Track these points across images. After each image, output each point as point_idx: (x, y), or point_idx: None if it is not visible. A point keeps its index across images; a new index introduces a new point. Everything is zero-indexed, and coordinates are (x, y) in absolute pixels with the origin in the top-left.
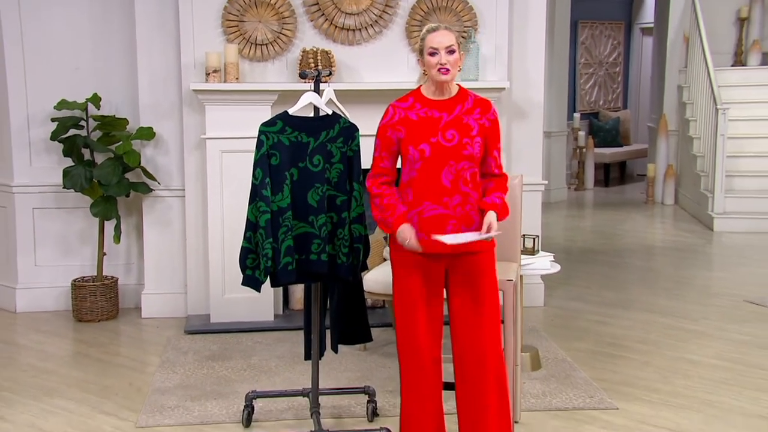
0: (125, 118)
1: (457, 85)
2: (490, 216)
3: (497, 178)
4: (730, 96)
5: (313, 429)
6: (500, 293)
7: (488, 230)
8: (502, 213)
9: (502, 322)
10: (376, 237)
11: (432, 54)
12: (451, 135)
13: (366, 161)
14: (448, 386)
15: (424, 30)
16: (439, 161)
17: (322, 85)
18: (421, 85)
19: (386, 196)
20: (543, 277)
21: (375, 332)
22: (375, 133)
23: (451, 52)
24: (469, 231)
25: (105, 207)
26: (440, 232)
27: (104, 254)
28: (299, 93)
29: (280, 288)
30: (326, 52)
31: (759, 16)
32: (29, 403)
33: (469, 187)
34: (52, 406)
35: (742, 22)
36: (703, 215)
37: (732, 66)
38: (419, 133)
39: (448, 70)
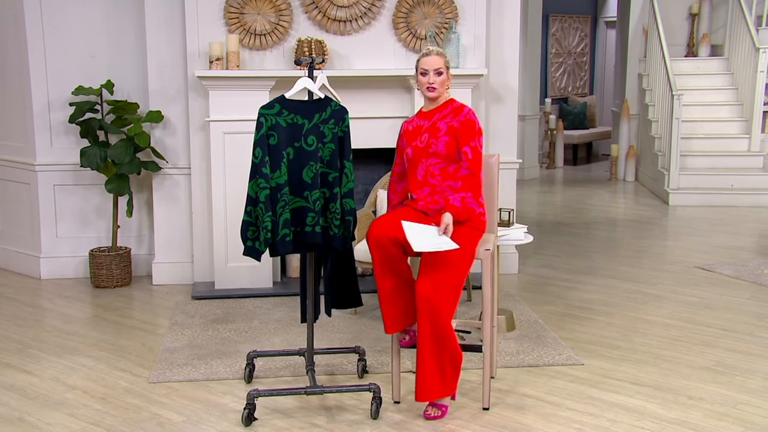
0: (136, 103)
1: (451, 99)
2: (446, 218)
3: (469, 176)
4: (684, 83)
5: (308, 384)
6: (479, 262)
7: (445, 231)
8: (461, 215)
9: (479, 287)
10: (366, 211)
11: (423, 74)
12: (425, 137)
13: (355, 142)
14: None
15: (420, 53)
16: (416, 160)
17: (315, 72)
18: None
19: (394, 205)
20: (517, 247)
21: (364, 297)
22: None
23: (439, 73)
24: (432, 224)
25: (118, 184)
26: (414, 214)
27: (118, 227)
28: (295, 79)
29: (278, 257)
30: (320, 41)
31: (708, 12)
32: (53, 360)
33: (437, 179)
34: (74, 363)
35: (693, 17)
36: (660, 191)
37: (685, 56)
38: (409, 140)
39: (435, 88)
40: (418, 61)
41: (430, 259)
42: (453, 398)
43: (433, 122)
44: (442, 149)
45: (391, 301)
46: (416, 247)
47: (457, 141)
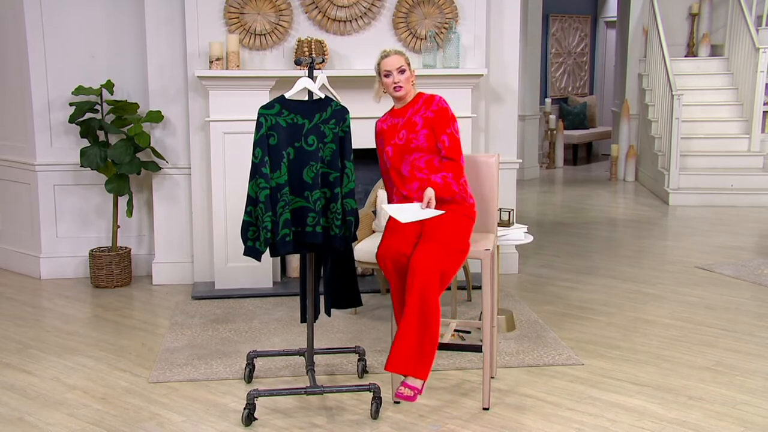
0: (136, 103)
1: (419, 93)
2: (428, 192)
3: (449, 161)
4: (684, 83)
5: (308, 384)
6: (478, 261)
7: (428, 205)
8: (443, 191)
9: (479, 288)
10: (366, 211)
11: (387, 75)
12: (403, 134)
13: (356, 142)
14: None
15: (378, 56)
16: (398, 158)
17: (315, 72)
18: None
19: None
20: (517, 246)
21: (364, 297)
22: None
23: (402, 71)
24: (414, 202)
25: (118, 184)
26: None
27: (118, 227)
28: (295, 79)
29: (278, 257)
30: (320, 41)
31: (708, 12)
32: (53, 360)
33: (424, 173)
34: (74, 363)
35: (693, 17)
36: (659, 191)
37: (685, 56)
38: (386, 139)
39: (401, 87)
40: (378, 65)
41: (427, 237)
42: (421, 391)
43: (408, 119)
44: (423, 143)
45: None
46: (402, 220)
47: (434, 130)
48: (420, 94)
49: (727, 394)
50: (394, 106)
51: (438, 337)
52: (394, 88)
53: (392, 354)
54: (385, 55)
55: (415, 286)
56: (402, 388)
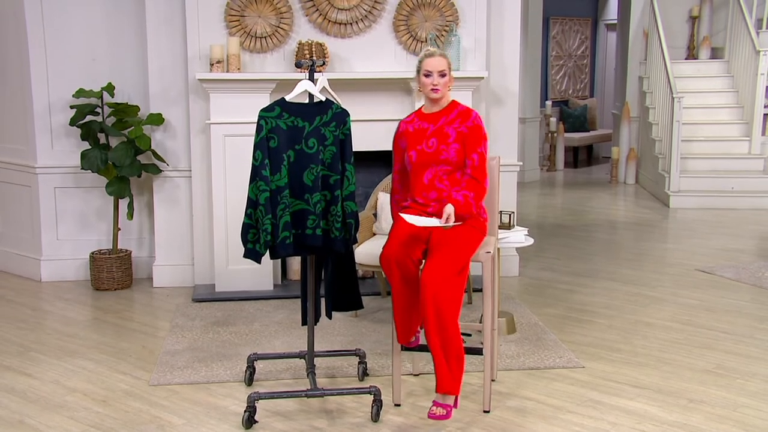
0: (137, 105)
1: (453, 101)
2: (448, 208)
3: (473, 181)
4: (684, 86)
5: (309, 387)
6: (479, 264)
7: (447, 220)
8: (462, 209)
9: (480, 290)
10: (366, 214)
11: (427, 75)
12: (432, 143)
13: (356, 145)
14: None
15: (422, 53)
16: (422, 164)
17: (316, 75)
18: (423, 105)
19: (400, 204)
20: (518, 249)
21: (365, 300)
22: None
23: (443, 75)
24: (434, 217)
25: (119, 186)
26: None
27: (119, 229)
28: (295, 82)
29: (279, 260)
30: (320, 44)
31: (708, 14)
32: (54, 362)
33: (445, 184)
34: (74, 366)
35: (694, 20)
36: (660, 193)
37: (686, 59)
38: (412, 142)
39: (438, 89)
40: (420, 62)
41: (435, 246)
42: (455, 405)
43: (440, 127)
44: (453, 157)
45: (407, 314)
46: (417, 224)
47: (465, 146)
48: (455, 104)
49: (727, 397)
50: (422, 108)
51: (462, 351)
52: (432, 89)
53: (436, 378)
54: (429, 54)
55: (429, 306)
56: (434, 408)
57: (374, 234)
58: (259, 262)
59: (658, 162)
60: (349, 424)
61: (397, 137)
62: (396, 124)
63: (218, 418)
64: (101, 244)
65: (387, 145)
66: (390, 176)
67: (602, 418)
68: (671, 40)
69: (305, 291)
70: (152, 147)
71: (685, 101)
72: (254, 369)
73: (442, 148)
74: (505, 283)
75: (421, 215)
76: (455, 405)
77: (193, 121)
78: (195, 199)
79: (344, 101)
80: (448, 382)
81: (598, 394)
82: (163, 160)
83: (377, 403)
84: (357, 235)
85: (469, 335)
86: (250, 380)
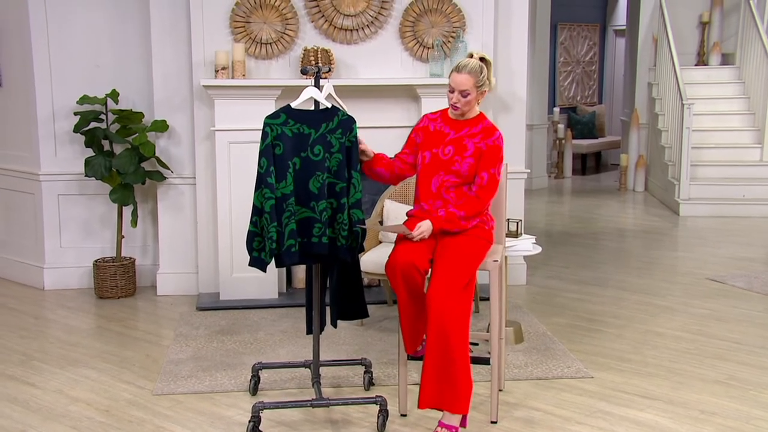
0: (141, 112)
1: (481, 114)
2: (423, 224)
3: (474, 198)
4: (694, 92)
5: (314, 397)
6: (486, 273)
7: (420, 236)
8: (443, 225)
9: (487, 299)
10: (372, 221)
11: (451, 91)
12: (449, 150)
13: None
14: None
15: (455, 64)
16: (433, 168)
17: (322, 81)
18: None
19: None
20: (525, 257)
21: (371, 309)
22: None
23: (465, 95)
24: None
25: (123, 194)
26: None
27: (123, 237)
28: (301, 88)
29: (284, 268)
30: (326, 50)
31: (719, 20)
32: (57, 371)
33: (451, 196)
34: (77, 375)
35: (704, 25)
36: (670, 201)
37: (696, 65)
38: (428, 142)
39: (458, 107)
40: (450, 73)
41: (441, 256)
42: (464, 424)
43: (461, 136)
44: (465, 170)
45: (414, 324)
46: (380, 229)
47: (478, 163)
48: (482, 117)
49: (740, 408)
50: (449, 110)
51: (469, 369)
52: (452, 105)
53: (420, 390)
54: (458, 69)
55: (433, 326)
56: (439, 429)
57: (380, 242)
58: (265, 271)
59: (667, 169)
60: None
61: (418, 128)
62: (402, 130)
63: (222, 428)
64: (105, 251)
65: (393, 152)
66: (393, 187)
67: (612, 430)
68: (681, 46)
69: (310, 299)
70: (156, 154)
71: (696, 108)
72: (259, 378)
73: (457, 159)
74: (512, 291)
75: (422, 221)
76: (463, 424)
77: (198, 128)
78: (199, 206)
79: (350, 108)
80: (430, 398)
81: (607, 405)
82: (167, 167)
83: (383, 414)
84: (363, 243)
85: (476, 344)
86: (254, 390)
